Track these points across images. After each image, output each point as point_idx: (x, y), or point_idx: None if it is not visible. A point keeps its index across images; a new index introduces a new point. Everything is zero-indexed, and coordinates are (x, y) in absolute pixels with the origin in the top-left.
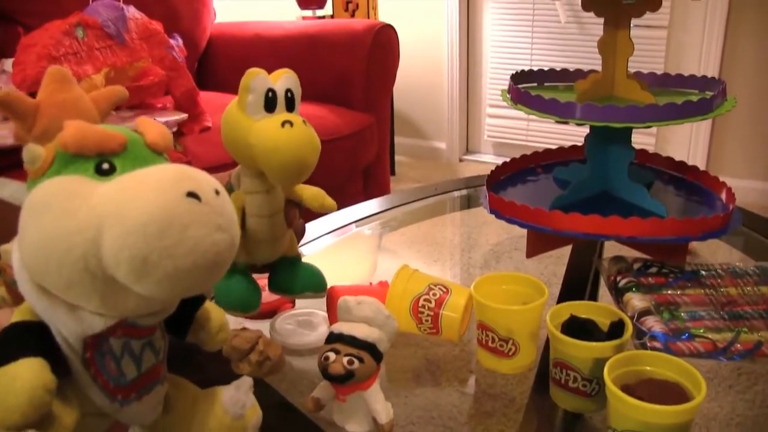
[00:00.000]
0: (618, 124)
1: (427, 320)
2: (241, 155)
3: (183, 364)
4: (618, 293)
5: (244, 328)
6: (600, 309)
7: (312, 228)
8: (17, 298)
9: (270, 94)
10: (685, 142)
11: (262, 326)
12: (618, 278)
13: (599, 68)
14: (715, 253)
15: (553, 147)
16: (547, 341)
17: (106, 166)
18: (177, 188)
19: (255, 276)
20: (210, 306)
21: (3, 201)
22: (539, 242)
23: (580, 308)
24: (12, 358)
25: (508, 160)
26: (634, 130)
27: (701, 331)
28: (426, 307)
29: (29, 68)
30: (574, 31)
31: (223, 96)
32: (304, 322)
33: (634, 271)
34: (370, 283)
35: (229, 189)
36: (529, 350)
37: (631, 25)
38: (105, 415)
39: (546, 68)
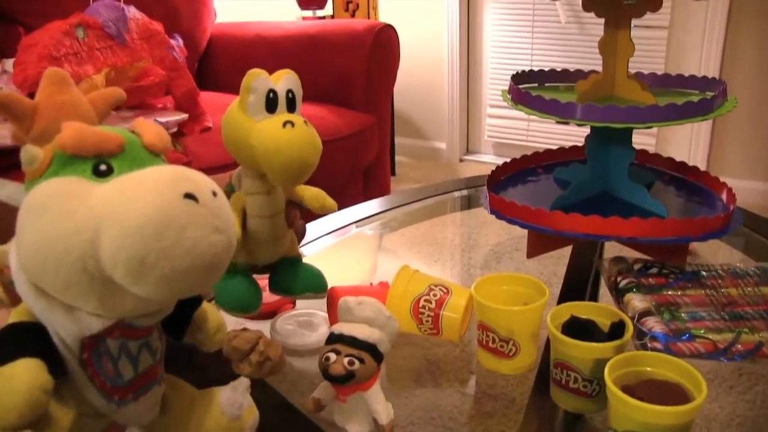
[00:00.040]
0: (618, 124)
1: (427, 321)
2: (242, 156)
3: (181, 365)
4: (618, 294)
5: (245, 329)
6: (600, 309)
7: (312, 228)
8: (15, 299)
9: (271, 94)
10: (685, 143)
11: (263, 327)
12: (618, 279)
13: (600, 69)
14: (715, 253)
15: (554, 147)
16: (548, 342)
17: (103, 167)
18: (174, 190)
19: (256, 276)
20: (207, 307)
21: (1, 202)
22: (540, 243)
23: (581, 309)
24: (9, 359)
25: (508, 160)
26: (634, 131)
27: (702, 331)
28: (426, 308)
29: (30, 68)
30: (574, 31)
31: (223, 96)
32: (305, 323)
33: (635, 271)
34: (371, 284)
35: (230, 190)
36: (530, 351)
37: (632, 25)
38: (102, 416)
39: (546, 68)
